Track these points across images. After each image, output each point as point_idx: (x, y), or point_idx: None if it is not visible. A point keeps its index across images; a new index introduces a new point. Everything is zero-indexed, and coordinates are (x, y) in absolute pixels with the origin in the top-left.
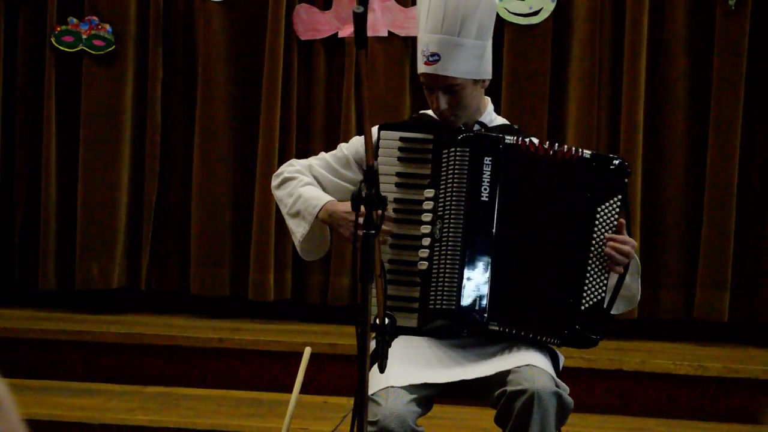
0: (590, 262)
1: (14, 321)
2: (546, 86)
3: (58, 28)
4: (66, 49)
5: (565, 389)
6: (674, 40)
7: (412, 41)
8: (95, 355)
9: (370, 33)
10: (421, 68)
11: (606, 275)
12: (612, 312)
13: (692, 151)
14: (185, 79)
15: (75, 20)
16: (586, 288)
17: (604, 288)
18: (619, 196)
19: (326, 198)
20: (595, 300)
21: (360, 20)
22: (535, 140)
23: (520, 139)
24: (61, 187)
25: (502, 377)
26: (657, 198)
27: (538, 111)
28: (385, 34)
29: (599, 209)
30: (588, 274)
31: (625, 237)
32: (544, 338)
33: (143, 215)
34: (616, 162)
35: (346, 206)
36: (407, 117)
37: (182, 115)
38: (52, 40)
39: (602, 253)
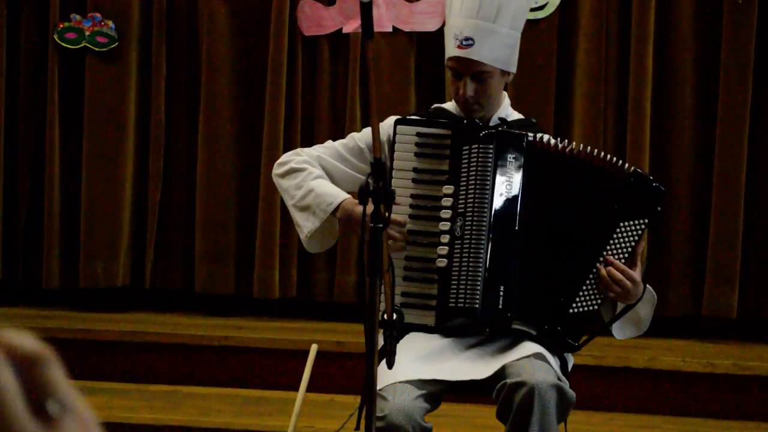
0: (594, 271)
1: (18, 320)
2: (552, 81)
3: (61, 25)
4: (69, 46)
5: (565, 383)
6: (681, 35)
7: (417, 36)
8: (99, 353)
9: (374, 28)
10: (454, 52)
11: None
12: (618, 336)
13: (700, 146)
14: (189, 75)
15: (78, 17)
16: (581, 294)
17: (598, 301)
18: (646, 220)
19: (343, 195)
20: (585, 309)
21: (366, 10)
22: (548, 137)
23: (540, 135)
24: (65, 185)
25: (501, 370)
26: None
27: (543, 106)
28: (390, 30)
29: (622, 224)
30: (588, 282)
31: (625, 269)
32: (519, 325)
33: (147, 213)
34: (655, 185)
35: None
36: (411, 113)
37: (186, 112)
38: (55, 36)
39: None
